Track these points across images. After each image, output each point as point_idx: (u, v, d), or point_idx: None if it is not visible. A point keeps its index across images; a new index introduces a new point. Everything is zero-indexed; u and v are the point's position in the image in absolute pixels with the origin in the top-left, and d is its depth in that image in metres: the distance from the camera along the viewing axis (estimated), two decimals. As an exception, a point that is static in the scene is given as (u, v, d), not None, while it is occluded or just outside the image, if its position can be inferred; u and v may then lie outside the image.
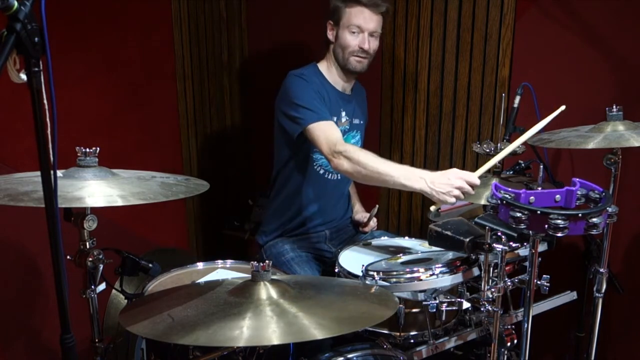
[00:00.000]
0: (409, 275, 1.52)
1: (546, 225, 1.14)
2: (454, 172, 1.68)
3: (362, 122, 2.25)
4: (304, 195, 2.15)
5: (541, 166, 1.67)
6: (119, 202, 1.26)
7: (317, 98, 1.99)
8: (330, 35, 2.10)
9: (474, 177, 1.66)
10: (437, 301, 1.46)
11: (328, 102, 2.07)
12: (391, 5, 2.40)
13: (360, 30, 2.04)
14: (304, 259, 2.08)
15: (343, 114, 2.13)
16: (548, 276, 1.33)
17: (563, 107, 1.67)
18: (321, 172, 2.14)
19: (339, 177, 2.18)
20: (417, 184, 1.68)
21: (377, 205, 2.21)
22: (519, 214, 1.16)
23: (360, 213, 2.35)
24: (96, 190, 1.30)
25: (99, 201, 1.25)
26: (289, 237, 2.18)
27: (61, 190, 1.22)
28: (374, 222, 2.28)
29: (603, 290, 1.76)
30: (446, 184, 1.65)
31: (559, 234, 1.13)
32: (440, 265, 1.52)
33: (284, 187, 2.17)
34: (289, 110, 1.98)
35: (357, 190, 2.43)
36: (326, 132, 1.89)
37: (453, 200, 1.65)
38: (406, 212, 2.58)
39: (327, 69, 2.14)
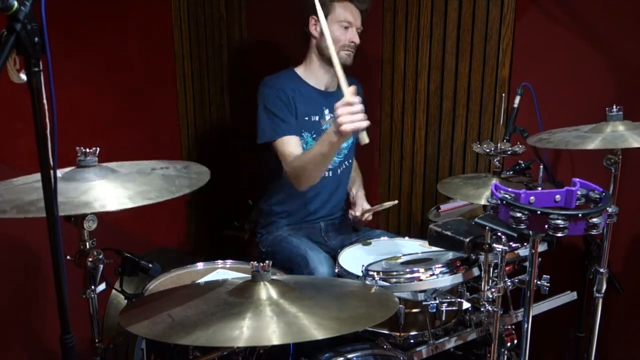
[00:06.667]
0: (409, 276, 1.52)
1: (546, 226, 1.13)
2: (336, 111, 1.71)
3: None
4: (297, 193, 2.16)
5: (541, 166, 1.67)
6: (129, 204, 1.24)
7: (284, 109, 2.04)
8: (314, 29, 2.11)
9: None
10: (437, 301, 1.45)
11: (305, 104, 2.10)
12: (390, 8, 2.42)
13: (350, 25, 2.07)
14: (300, 235, 2.12)
15: (326, 111, 2.14)
16: (548, 276, 1.33)
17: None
18: None
19: (330, 174, 2.20)
20: (330, 139, 1.77)
21: (396, 202, 2.13)
22: (519, 214, 1.15)
23: (363, 199, 2.26)
24: (101, 193, 1.26)
25: (107, 205, 1.22)
26: (284, 227, 2.21)
27: (65, 196, 1.19)
28: (369, 214, 2.17)
29: (603, 290, 1.76)
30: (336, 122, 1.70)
31: (559, 234, 1.12)
32: (440, 265, 1.52)
33: (278, 186, 2.19)
34: (258, 119, 2.06)
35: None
36: (282, 151, 2.02)
37: (355, 126, 1.68)
38: (406, 212, 2.58)
39: (307, 70, 2.16)
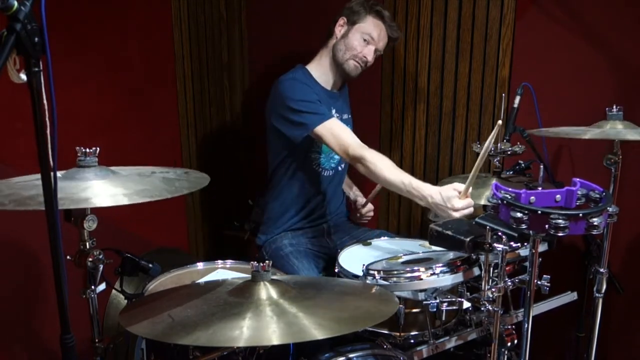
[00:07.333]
0: (409, 275, 1.52)
1: (547, 225, 1.14)
2: (452, 192, 1.67)
3: (350, 116, 2.27)
4: (300, 193, 2.17)
5: (541, 166, 1.68)
6: (125, 201, 1.25)
7: (315, 98, 2.00)
8: (339, 30, 2.09)
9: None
10: (438, 301, 1.45)
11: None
12: (390, 8, 2.42)
13: (372, 42, 2.06)
14: (303, 254, 2.09)
15: (333, 111, 2.14)
16: (548, 276, 1.33)
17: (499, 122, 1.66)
18: (318, 169, 2.16)
19: (333, 173, 2.20)
20: (420, 202, 1.74)
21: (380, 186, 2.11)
22: (519, 214, 1.16)
23: (360, 197, 2.35)
24: (100, 190, 1.28)
25: (105, 201, 1.23)
26: (288, 233, 2.19)
27: (65, 192, 1.21)
28: (370, 206, 2.28)
29: (603, 290, 1.76)
30: (444, 209, 1.67)
31: (560, 234, 1.12)
32: (440, 264, 1.52)
33: (281, 186, 2.18)
34: (289, 115, 1.99)
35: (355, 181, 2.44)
36: (335, 134, 1.91)
37: (456, 215, 1.65)
38: (406, 212, 2.58)
39: (318, 69, 2.14)
